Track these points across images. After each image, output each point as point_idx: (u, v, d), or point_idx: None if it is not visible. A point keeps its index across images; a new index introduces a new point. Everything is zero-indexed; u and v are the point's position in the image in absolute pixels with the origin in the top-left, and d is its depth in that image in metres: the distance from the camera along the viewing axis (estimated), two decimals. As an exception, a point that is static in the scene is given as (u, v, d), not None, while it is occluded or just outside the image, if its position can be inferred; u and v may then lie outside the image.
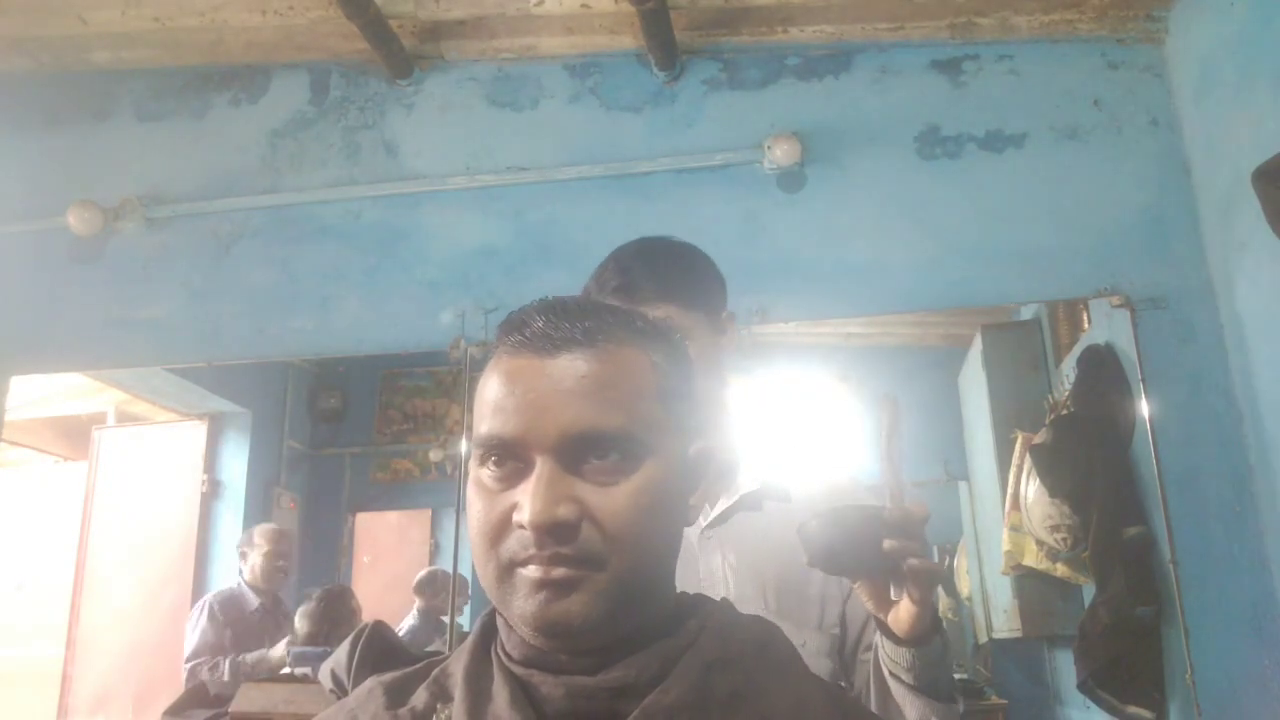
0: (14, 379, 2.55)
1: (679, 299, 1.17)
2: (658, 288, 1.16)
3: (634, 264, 1.19)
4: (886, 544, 0.88)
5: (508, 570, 0.63)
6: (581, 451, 0.63)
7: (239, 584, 3.16)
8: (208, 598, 3.09)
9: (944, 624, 0.99)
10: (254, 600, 3.14)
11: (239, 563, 3.22)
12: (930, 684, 0.97)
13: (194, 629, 3.04)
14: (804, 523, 0.92)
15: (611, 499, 0.63)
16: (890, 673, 0.99)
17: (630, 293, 1.16)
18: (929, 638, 0.94)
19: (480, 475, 0.66)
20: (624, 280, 1.17)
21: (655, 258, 1.21)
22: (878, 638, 1.00)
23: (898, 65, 2.32)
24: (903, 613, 0.92)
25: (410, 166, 2.46)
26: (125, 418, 3.51)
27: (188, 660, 3.00)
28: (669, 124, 2.38)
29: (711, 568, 1.15)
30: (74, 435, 3.65)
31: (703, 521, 1.17)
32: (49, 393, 3.39)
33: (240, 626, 3.27)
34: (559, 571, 0.61)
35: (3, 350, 2.50)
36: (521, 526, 0.62)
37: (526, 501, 0.62)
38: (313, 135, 2.53)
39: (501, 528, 0.63)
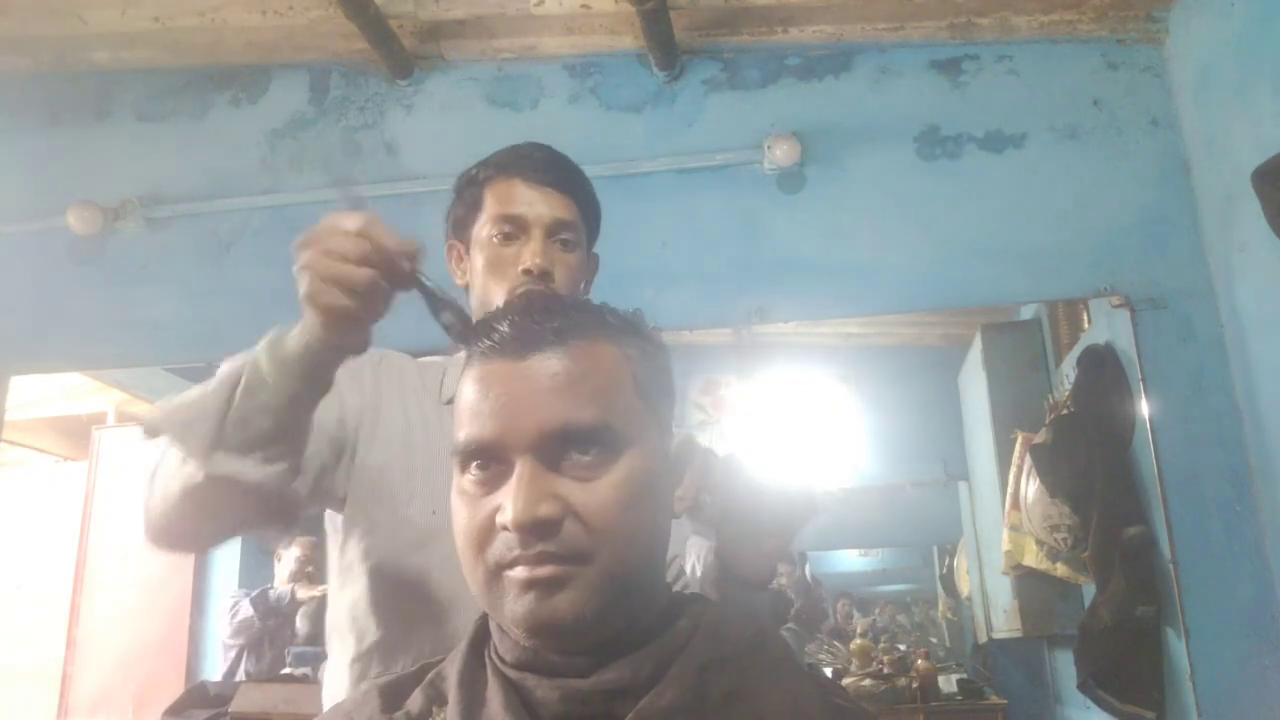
0: (14, 379, 2.54)
1: (576, 196, 1.11)
2: (560, 174, 1.10)
3: (536, 150, 1.13)
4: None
5: (495, 574, 0.63)
6: (560, 448, 0.63)
7: (268, 585, 3.43)
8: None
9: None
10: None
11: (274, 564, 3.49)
12: None
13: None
14: None
15: (594, 493, 0.63)
16: None
17: (528, 170, 1.09)
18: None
19: (462, 482, 0.66)
20: (519, 156, 1.11)
21: (561, 155, 1.15)
22: None
23: (898, 65, 2.32)
24: None
25: (410, 166, 2.45)
26: (125, 418, 3.51)
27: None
28: (669, 124, 2.37)
29: None
30: (74, 435, 3.65)
31: None
32: (49, 393, 3.39)
33: (241, 630, 3.33)
34: (546, 570, 0.61)
35: (3, 350, 2.50)
36: (505, 528, 0.62)
37: (509, 503, 0.61)
38: (313, 135, 2.52)
39: (486, 532, 0.63)
